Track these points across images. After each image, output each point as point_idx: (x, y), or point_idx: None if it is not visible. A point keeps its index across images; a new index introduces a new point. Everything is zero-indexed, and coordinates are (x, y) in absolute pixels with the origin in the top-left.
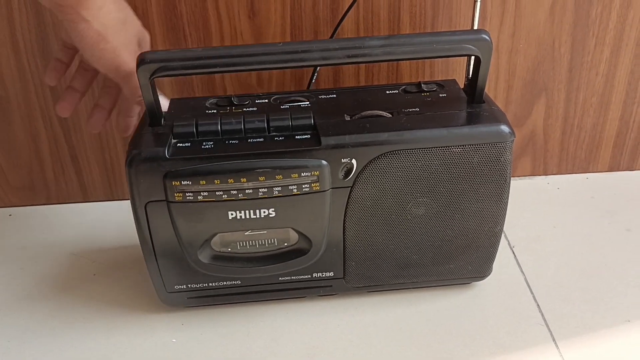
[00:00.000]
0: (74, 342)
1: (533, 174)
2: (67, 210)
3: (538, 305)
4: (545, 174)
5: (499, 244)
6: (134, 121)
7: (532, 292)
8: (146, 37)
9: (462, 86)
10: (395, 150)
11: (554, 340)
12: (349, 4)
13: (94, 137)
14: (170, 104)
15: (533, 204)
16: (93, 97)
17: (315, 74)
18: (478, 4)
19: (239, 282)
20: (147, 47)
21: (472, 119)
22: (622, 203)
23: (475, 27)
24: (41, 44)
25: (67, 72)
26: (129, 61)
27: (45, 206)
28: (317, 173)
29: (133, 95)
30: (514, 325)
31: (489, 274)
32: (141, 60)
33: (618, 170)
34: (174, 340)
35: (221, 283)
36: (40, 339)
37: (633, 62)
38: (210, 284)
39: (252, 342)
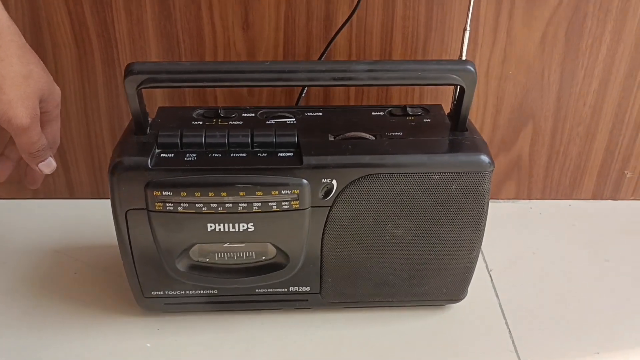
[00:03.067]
0: (49, 341)
1: (517, 197)
2: (53, 206)
3: (510, 331)
4: (529, 198)
5: (474, 270)
6: (40, 174)
7: (505, 318)
8: (54, 93)
9: (448, 111)
10: (375, 174)
11: None
12: (343, 21)
13: (83, 136)
14: (158, 111)
15: (514, 228)
16: None
17: (304, 93)
18: (467, 33)
19: (216, 291)
20: (54, 102)
21: (454, 147)
22: (602, 233)
23: (464, 55)
24: (35, 43)
25: None
26: (23, 115)
27: (32, 200)
28: (297, 192)
29: (25, 149)
30: (484, 349)
31: (464, 298)
32: (129, 71)
33: (601, 199)
34: (148, 344)
35: (198, 291)
36: (17, 335)
37: (620, 95)
38: (187, 292)
39: (225, 351)
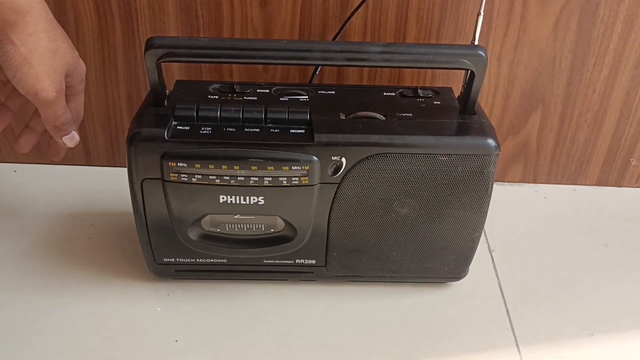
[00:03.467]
0: (62, 302)
1: (523, 181)
2: (70, 172)
3: (507, 310)
4: (535, 182)
5: (476, 250)
6: (63, 147)
7: (503, 297)
8: (79, 68)
9: (458, 93)
10: (384, 153)
11: (517, 345)
12: (359, 1)
13: (101, 104)
14: (175, 85)
15: (518, 210)
16: None
17: (317, 71)
18: (480, 17)
19: (225, 260)
20: (79, 77)
21: (461, 130)
22: (604, 218)
23: (477, 40)
24: (58, 12)
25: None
26: (49, 89)
27: (49, 166)
28: (307, 168)
29: (49, 122)
30: (481, 326)
31: (465, 276)
32: (150, 45)
33: (606, 185)
34: (158, 309)
35: (208, 260)
36: (32, 295)
37: (630, 84)
38: (197, 260)
39: (231, 318)
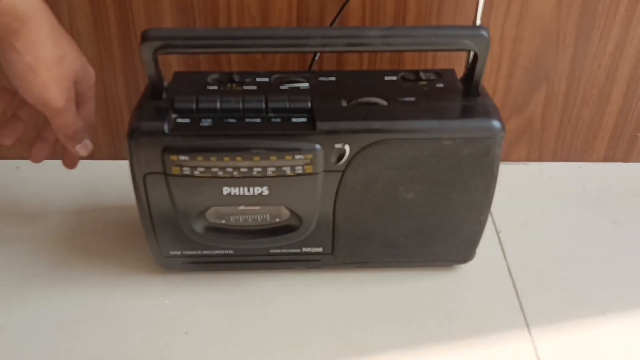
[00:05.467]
0: (71, 297)
1: (528, 159)
2: None
3: (516, 290)
4: (540, 160)
5: (482, 232)
6: (77, 156)
7: (512, 278)
8: (88, 74)
9: (461, 75)
10: (387, 139)
11: (527, 326)
12: None
13: (99, 96)
14: (173, 76)
15: (524, 190)
16: None
17: (317, 58)
18: None
19: (231, 251)
20: (88, 84)
21: (465, 113)
22: (612, 195)
23: (479, 19)
24: (51, 4)
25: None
26: (58, 97)
27: (51, 161)
28: (310, 157)
29: (61, 131)
30: (491, 308)
31: (472, 258)
32: (145, 37)
33: (612, 161)
34: (167, 301)
35: (214, 251)
36: (40, 292)
37: (636, 57)
38: (204, 252)
39: (240, 308)
